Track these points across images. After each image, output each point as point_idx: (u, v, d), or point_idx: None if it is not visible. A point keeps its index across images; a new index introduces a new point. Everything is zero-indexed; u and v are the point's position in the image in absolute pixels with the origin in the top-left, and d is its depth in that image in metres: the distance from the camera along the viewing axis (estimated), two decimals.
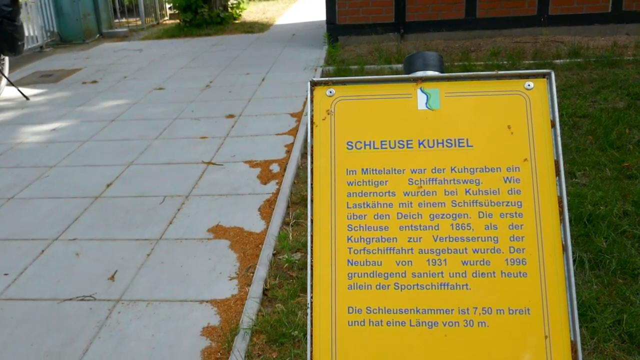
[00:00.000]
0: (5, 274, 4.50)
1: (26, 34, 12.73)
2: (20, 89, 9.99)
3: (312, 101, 1.52)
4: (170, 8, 20.74)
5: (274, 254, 4.54)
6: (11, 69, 11.38)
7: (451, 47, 11.57)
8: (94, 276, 4.41)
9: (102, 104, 9.28)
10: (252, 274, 4.32)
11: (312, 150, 1.49)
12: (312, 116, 1.51)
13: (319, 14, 17.05)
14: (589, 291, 3.77)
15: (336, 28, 12.63)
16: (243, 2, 19.52)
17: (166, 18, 20.74)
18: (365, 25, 12.45)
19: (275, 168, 6.20)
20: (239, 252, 4.63)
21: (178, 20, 18.21)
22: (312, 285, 1.43)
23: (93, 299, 4.14)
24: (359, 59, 10.88)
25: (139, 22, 18.52)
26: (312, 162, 1.48)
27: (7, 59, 10.10)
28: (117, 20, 18.14)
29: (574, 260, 4.06)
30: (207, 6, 17.13)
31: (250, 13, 20.60)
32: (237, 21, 18.45)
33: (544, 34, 11.86)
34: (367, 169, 1.47)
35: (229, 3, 18.65)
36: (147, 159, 6.69)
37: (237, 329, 3.71)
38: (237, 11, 18.94)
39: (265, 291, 4.12)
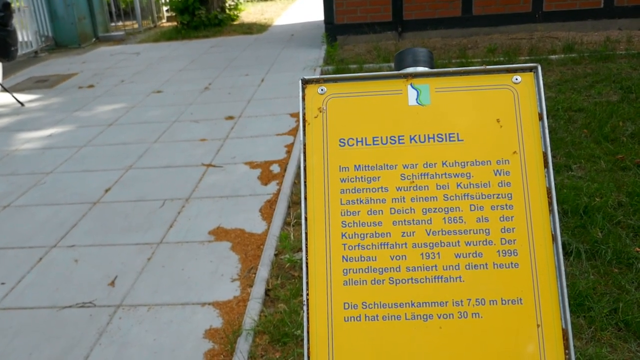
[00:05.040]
0: (2, 283, 4.50)
1: (20, 39, 12.72)
2: (15, 95, 10.00)
3: (303, 99, 1.53)
4: (167, 10, 20.74)
5: (275, 255, 4.56)
6: (5, 74, 11.38)
7: (449, 44, 11.60)
8: (94, 282, 4.41)
9: (99, 108, 9.28)
10: (254, 275, 4.33)
11: (304, 148, 1.50)
12: (304, 114, 1.52)
13: (317, 14, 17.08)
14: (585, 281, 3.81)
15: (334, 28, 12.66)
16: (241, 3, 19.53)
17: (163, 21, 20.74)
18: (363, 25, 12.49)
19: (275, 169, 6.22)
20: (240, 254, 4.64)
21: (175, 23, 18.19)
22: (307, 283, 1.44)
23: (93, 306, 4.15)
24: (357, 58, 10.91)
25: (136, 25, 18.52)
26: (304, 160, 1.50)
27: (0, 64, 10.08)
28: (113, 24, 18.14)
29: (571, 252, 4.12)
30: (204, 8, 17.12)
31: (248, 14, 20.62)
32: (235, 22, 18.46)
33: (539, 30, 11.90)
34: (359, 166, 1.48)
35: (227, 4, 18.65)
36: (146, 162, 6.70)
37: (240, 330, 3.72)
38: (235, 12, 18.95)
39: (267, 291, 4.13)
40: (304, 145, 1.50)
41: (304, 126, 1.52)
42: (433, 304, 1.40)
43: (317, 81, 1.54)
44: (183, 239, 4.92)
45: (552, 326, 1.36)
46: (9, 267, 4.72)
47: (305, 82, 1.54)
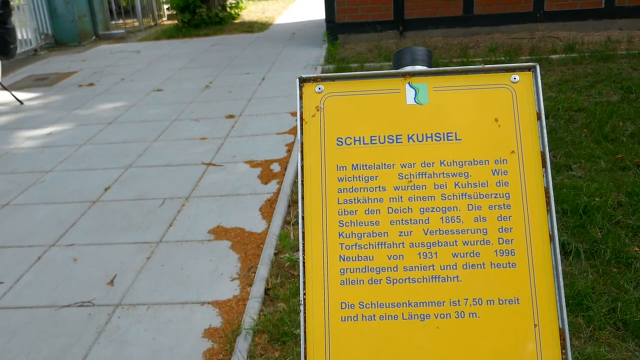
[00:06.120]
0: (1, 282, 4.49)
1: (19, 37, 12.69)
2: (14, 93, 9.96)
3: (301, 98, 1.53)
4: (168, 9, 20.72)
5: (275, 254, 4.55)
6: (4, 73, 11.34)
7: (450, 43, 11.60)
8: (93, 281, 4.40)
9: (99, 106, 9.27)
10: (253, 274, 4.33)
11: (302, 147, 1.50)
12: (301, 113, 1.52)
13: (319, 12, 17.05)
14: (584, 281, 3.81)
15: (336, 26, 12.66)
16: (242, 1, 19.51)
17: (164, 19, 20.72)
18: (365, 23, 12.48)
19: (276, 167, 6.21)
20: (240, 253, 4.63)
21: (176, 21, 18.16)
22: (304, 282, 1.44)
23: (92, 305, 4.14)
24: (358, 57, 10.90)
25: (136, 24, 18.49)
26: (302, 159, 1.49)
27: None
28: (113, 22, 18.11)
29: (570, 251, 4.12)
30: (205, 6, 17.09)
31: (249, 12, 20.60)
32: (236, 21, 18.44)
33: (540, 30, 11.90)
34: (357, 165, 1.48)
35: (228, 3, 18.64)
36: (146, 161, 6.70)
37: (239, 330, 3.72)
38: (236, 11, 18.93)
39: (267, 291, 4.13)
40: (302, 144, 1.50)
41: (301, 125, 1.52)
42: (430, 303, 1.40)
43: (314, 80, 1.53)
44: (183, 238, 4.91)
45: (549, 326, 1.36)
46: (7, 266, 4.71)
47: (303, 81, 1.54)
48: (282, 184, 5.78)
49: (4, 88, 9.98)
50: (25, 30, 14.22)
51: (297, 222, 4.98)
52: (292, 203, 5.38)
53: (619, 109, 6.76)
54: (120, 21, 18.61)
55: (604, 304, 3.63)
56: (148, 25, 19.07)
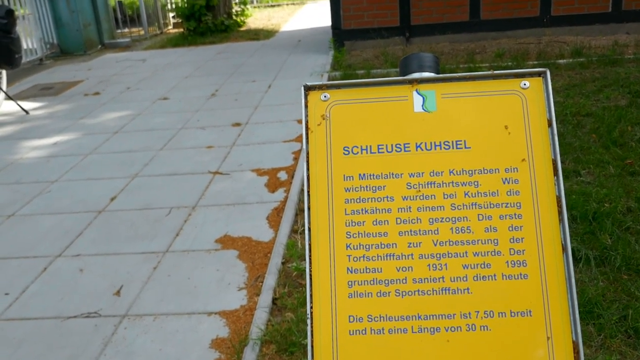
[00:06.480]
0: (6, 294, 4.47)
1: (24, 46, 12.69)
2: (20, 102, 9.94)
3: (306, 106, 1.50)
4: (173, 17, 20.72)
5: (283, 263, 4.53)
6: (10, 82, 11.34)
7: (456, 49, 11.58)
8: (99, 292, 4.38)
9: (104, 115, 9.27)
10: (261, 284, 4.30)
11: (307, 157, 1.47)
12: (306, 122, 1.49)
13: (325, 19, 17.06)
14: (595, 288, 3.78)
15: (342, 33, 12.64)
16: (247, 9, 19.51)
17: (169, 27, 20.72)
18: (371, 30, 12.47)
19: (282, 176, 6.19)
20: (247, 262, 4.61)
21: (182, 29, 18.15)
22: (311, 295, 1.41)
23: (98, 316, 4.12)
24: (365, 64, 10.89)
25: (142, 32, 18.49)
26: (307, 169, 1.47)
27: (4, 72, 10.02)
28: (119, 31, 18.10)
29: (580, 258, 4.09)
30: (211, 14, 17.08)
31: (255, 20, 20.61)
32: (242, 28, 18.44)
33: (546, 35, 11.87)
34: (364, 174, 1.45)
35: (234, 10, 18.64)
36: (152, 170, 6.68)
37: (247, 340, 3.70)
38: (242, 18, 18.94)
39: (274, 300, 4.10)
40: (307, 153, 1.47)
41: (306, 134, 1.49)
42: (440, 316, 1.37)
43: (319, 87, 1.51)
44: (189, 248, 4.89)
45: (562, 338, 1.33)
46: (13, 276, 4.69)
47: (308, 89, 1.51)
48: (289, 192, 5.76)
49: (10, 98, 9.99)
50: (30, 39, 14.23)
51: (304, 231, 4.96)
52: (300, 211, 5.36)
53: (627, 114, 6.73)
54: (126, 30, 18.60)
55: (615, 311, 3.60)
56: (154, 33, 19.07)
